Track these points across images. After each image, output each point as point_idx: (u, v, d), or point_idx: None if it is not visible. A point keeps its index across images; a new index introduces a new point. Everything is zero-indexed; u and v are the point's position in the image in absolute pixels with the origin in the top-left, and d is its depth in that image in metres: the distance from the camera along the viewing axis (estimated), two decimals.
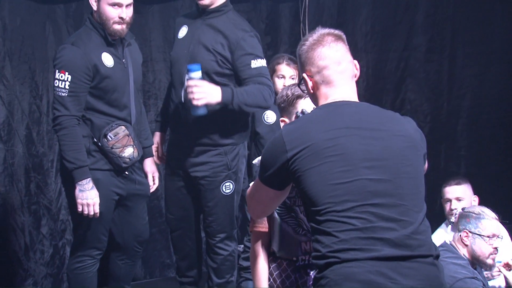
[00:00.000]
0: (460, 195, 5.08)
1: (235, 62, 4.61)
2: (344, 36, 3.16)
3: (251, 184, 3.32)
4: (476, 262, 4.28)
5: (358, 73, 3.17)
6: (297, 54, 3.20)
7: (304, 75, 3.15)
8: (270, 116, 4.99)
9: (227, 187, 4.78)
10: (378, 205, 2.89)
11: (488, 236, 4.26)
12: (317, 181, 2.92)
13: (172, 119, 4.80)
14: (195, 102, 4.41)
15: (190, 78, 4.43)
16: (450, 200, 5.10)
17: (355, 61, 3.17)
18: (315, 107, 3.17)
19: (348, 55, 3.14)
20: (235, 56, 4.60)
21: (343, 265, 2.86)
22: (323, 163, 2.92)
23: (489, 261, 4.29)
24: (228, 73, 4.65)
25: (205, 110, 4.46)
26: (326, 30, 3.16)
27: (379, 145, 2.96)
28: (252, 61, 4.61)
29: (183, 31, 4.76)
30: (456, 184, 5.13)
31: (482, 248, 4.27)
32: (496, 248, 4.29)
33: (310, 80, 3.12)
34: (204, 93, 4.42)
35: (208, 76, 4.56)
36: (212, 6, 4.66)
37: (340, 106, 3.05)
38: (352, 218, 2.88)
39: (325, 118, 3.01)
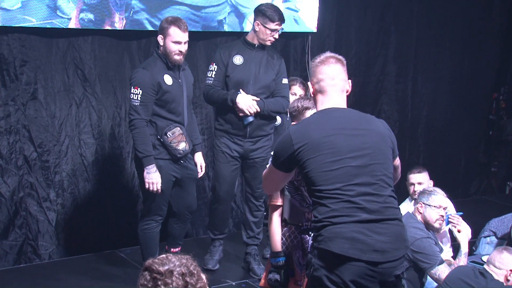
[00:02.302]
0: (420, 180, 5.08)
1: (276, 79, 4.89)
2: (344, 61, 3.19)
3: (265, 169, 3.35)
4: (427, 226, 4.32)
5: (350, 89, 3.18)
6: (309, 66, 3.26)
7: (309, 83, 3.19)
8: (277, 119, 5.10)
9: None
10: (358, 184, 2.93)
11: (435, 206, 4.31)
12: (315, 168, 2.96)
13: (234, 123, 4.90)
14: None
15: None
16: (413, 184, 5.11)
17: (349, 80, 3.18)
18: (315, 110, 3.20)
19: (342, 74, 3.14)
20: (277, 75, 4.89)
21: (334, 227, 2.91)
22: (319, 155, 2.95)
23: (436, 225, 4.34)
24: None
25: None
26: (331, 54, 3.19)
27: (359, 141, 3.00)
28: (283, 79, 4.93)
29: (238, 59, 4.87)
30: (418, 172, 5.13)
31: (431, 215, 4.31)
32: (442, 216, 4.34)
33: (312, 87, 3.16)
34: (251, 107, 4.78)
35: (269, 90, 4.87)
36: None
37: (330, 112, 3.08)
38: (340, 194, 2.92)
39: (320, 121, 3.04)
